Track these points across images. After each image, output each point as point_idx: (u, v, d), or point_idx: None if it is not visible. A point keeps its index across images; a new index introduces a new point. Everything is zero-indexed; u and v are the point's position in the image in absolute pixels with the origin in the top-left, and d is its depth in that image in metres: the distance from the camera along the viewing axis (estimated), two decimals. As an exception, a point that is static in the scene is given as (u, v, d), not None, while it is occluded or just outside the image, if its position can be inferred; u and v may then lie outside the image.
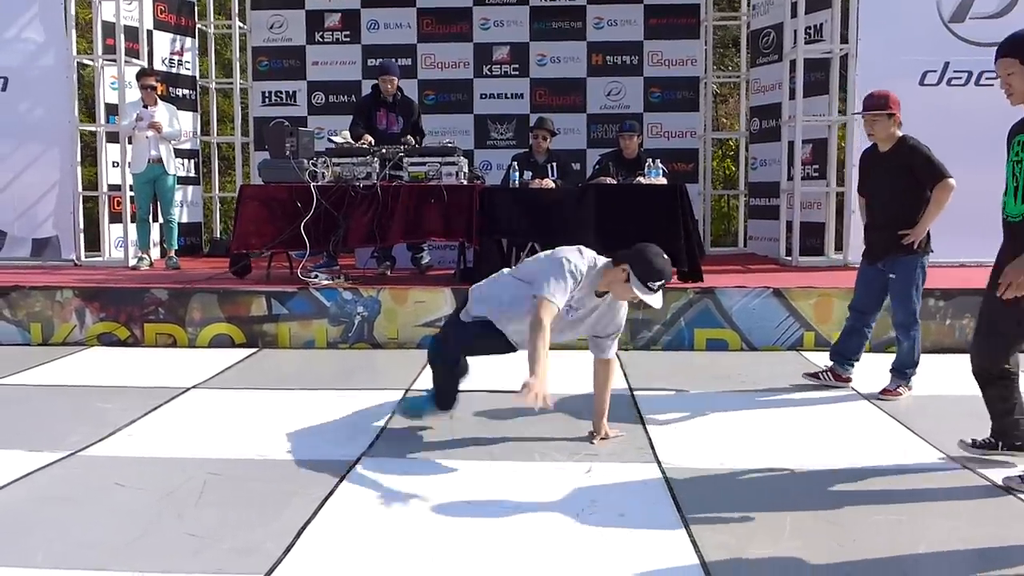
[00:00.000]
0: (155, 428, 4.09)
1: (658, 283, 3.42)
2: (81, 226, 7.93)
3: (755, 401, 4.56)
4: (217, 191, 10.10)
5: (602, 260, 3.56)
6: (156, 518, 2.96)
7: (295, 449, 3.73)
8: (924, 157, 4.33)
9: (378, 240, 6.34)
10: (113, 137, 8.12)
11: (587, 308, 3.59)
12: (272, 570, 2.57)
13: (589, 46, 9.57)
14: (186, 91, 9.25)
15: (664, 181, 6.49)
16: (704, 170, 9.79)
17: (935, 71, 7.15)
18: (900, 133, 4.43)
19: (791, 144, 7.76)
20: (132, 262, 7.69)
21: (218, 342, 6.00)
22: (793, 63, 7.71)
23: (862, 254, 4.74)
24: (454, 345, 3.77)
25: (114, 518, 2.96)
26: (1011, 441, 3.42)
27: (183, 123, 8.05)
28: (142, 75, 7.63)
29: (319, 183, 6.27)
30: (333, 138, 6.89)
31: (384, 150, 6.50)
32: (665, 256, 3.48)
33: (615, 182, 6.60)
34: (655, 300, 3.45)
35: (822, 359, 5.09)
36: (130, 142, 7.67)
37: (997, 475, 3.31)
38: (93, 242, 8.26)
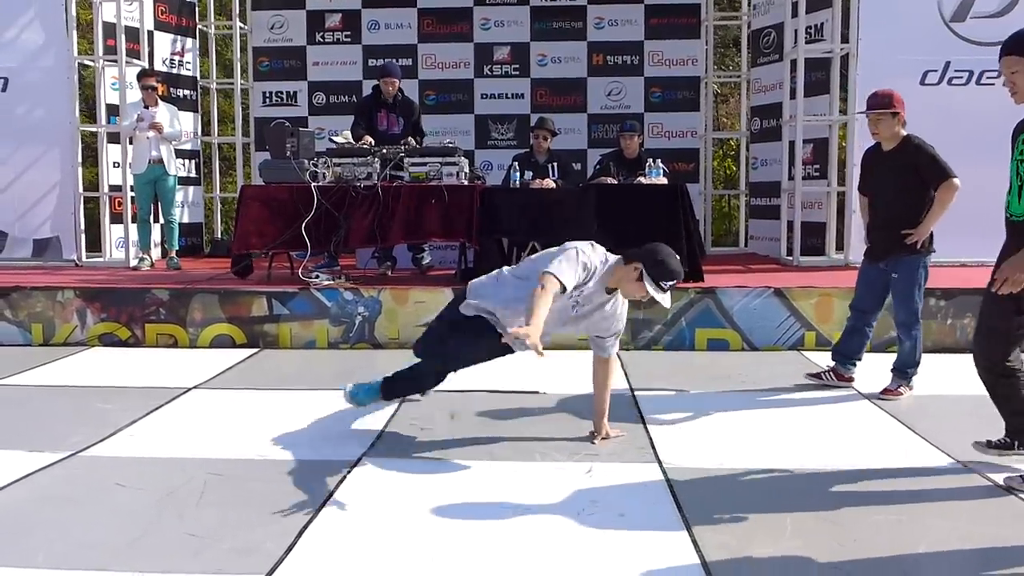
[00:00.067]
0: (156, 428, 4.09)
1: (670, 283, 3.44)
2: (82, 227, 7.93)
3: (756, 401, 4.55)
4: (218, 191, 10.10)
5: (613, 257, 3.56)
6: (157, 518, 2.96)
7: (296, 449, 3.72)
8: (929, 156, 4.33)
9: (379, 240, 6.34)
10: (114, 138, 8.12)
11: (594, 304, 3.57)
12: (273, 570, 2.57)
13: (590, 46, 9.57)
14: (187, 92, 9.25)
15: (665, 181, 6.49)
16: (705, 170, 9.79)
17: (936, 70, 7.15)
18: (904, 132, 4.43)
19: (792, 144, 7.76)
20: (133, 262, 7.69)
21: (219, 342, 6.00)
22: (794, 63, 7.71)
23: (863, 253, 4.74)
24: (454, 352, 3.74)
25: (115, 518, 2.96)
26: None
27: (184, 124, 8.05)
28: (143, 76, 7.64)
29: (320, 183, 6.27)
30: (334, 138, 6.90)
31: (385, 150, 6.50)
32: (677, 256, 3.50)
33: (616, 182, 6.60)
34: (666, 299, 3.46)
35: (823, 359, 5.08)
36: (131, 143, 7.67)
37: (998, 475, 3.31)
38: (94, 243, 8.26)
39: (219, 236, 9.89)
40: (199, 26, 9.60)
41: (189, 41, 9.27)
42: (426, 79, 9.59)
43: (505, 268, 3.80)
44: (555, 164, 6.99)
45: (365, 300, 5.98)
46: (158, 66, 8.71)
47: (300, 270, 6.44)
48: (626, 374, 5.07)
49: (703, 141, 9.75)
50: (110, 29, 7.99)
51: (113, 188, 8.13)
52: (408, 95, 7.49)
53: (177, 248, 7.82)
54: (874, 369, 4.75)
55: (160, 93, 7.82)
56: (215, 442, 3.85)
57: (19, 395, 4.78)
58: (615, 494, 3.19)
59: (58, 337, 6.10)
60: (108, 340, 6.06)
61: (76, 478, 3.39)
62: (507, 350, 3.61)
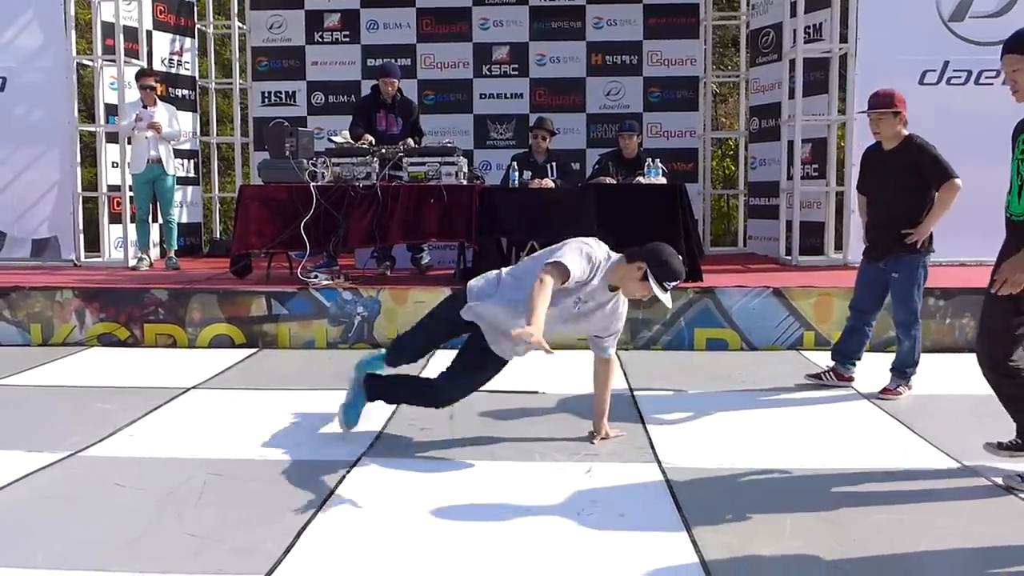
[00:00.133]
0: (155, 428, 4.09)
1: (673, 283, 3.46)
2: (81, 226, 7.93)
3: (755, 401, 4.56)
4: (217, 191, 10.10)
5: (615, 255, 3.56)
6: (156, 518, 2.96)
7: (295, 449, 3.72)
8: (931, 156, 4.33)
9: (378, 240, 6.34)
10: (113, 137, 8.12)
11: (597, 301, 3.57)
12: (272, 570, 2.57)
13: (588, 46, 9.57)
14: (185, 91, 9.25)
15: (664, 181, 6.49)
16: (704, 170, 9.79)
17: (935, 70, 7.15)
18: (906, 132, 4.43)
19: (791, 143, 7.76)
20: (132, 262, 7.69)
21: (218, 342, 6.00)
22: (792, 62, 7.71)
23: (863, 253, 4.74)
24: (461, 383, 3.73)
25: (114, 518, 2.96)
26: None
27: (182, 123, 8.05)
28: (141, 75, 7.63)
29: (319, 183, 6.27)
30: (333, 138, 6.90)
31: (384, 150, 6.50)
32: (679, 256, 3.51)
33: (615, 182, 6.61)
34: (668, 299, 3.48)
35: (822, 358, 5.09)
36: (129, 142, 7.67)
37: (998, 474, 3.31)
38: (93, 242, 8.26)
39: (218, 236, 9.89)
40: (198, 26, 9.60)
41: (188, 41, 9.27)
42: (425, 79, 9.59)
43: (504, 269, 3.77)
44: (554, 164, 6.99)
45: (364, 300, 5.98)
46: (157, 66, 8.71)
47: (299, 270, 6.44)
48: (625, 374, 5.07)
49: (702, 141, 9.75)
50: (109, 29, 7.99)
51: (112, 188, 8.13)
52: (407, 95, 7.49)
53: (176, 248, 7.82)
54: (873, 369, 4.75)
55: (159, 93, 7.82)
56: (214, 442, 3.84)
57: (18, 395, 4.78)
58: (615, 494, 3.19)
59: (57, 337, 6.10)
60: (107, 340, 6.05)
61: (75, 478, 3.39)
62: (503, 364, 3.68)
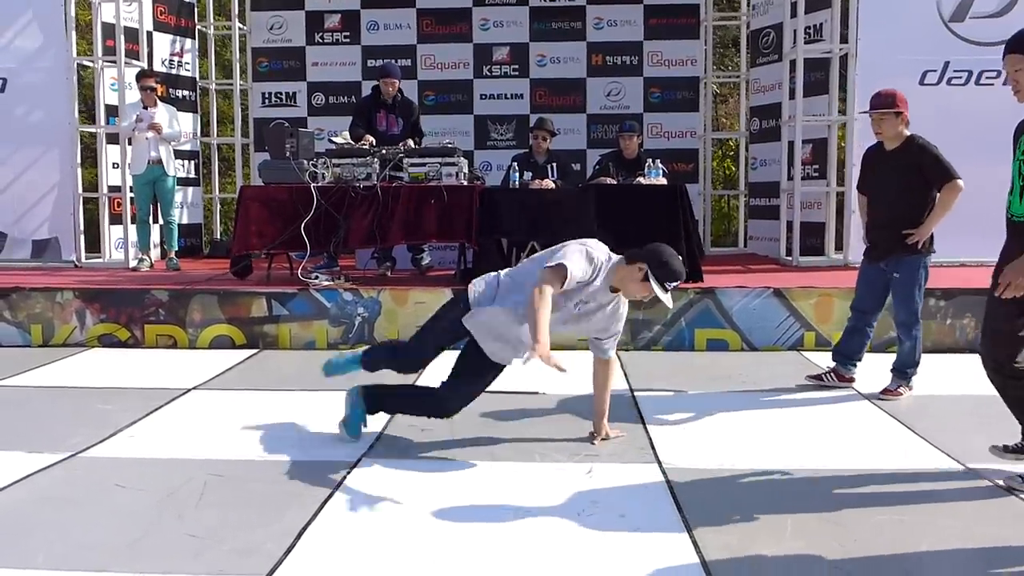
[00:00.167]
0: (156, 429, 4.09)
1: (674, 284, 3.47)
2: (81, 227, 7.92)
3: (756, 401, 4.55)
4: (217, 192, 10.10)
5: (615, 256, 3.56)
6: (157, 519, 2.96)
7: (296, 450, 3.72)
8: (933, 157, 4.33)
9: (378, 241, 6.34)
10: (113, 138, 8.12)
11: (597, 303, 3.57)
12: (273, 571, 2.57)
13: (589, 46, 9.57)
14: (186, 92, 9.25)
15: (664, 181, 6.49)
16: (704, 170, 9.79)
17: (935, 71, 7.15)
18: (907, 132, 4.43)
19: (791, 144, 7.76)
20: (132, 263, 7.69)
21: (218, 343, 6.00)
22: (793, 63, 7.71)
23: (863, 253, 4.74)
24: (461, 391, 3.71)
25: (115, 519, 2.96)
26: None
27: (183, 124, 8.05)
28: (142, 76, 7.63)
29: (319, 184, 6.27)
30: (333, 139, 6.90)
31: (384, 151, 6.50)
32: (679, 257, 3.53)
33: (615, 182, 6.60)
34: (669, 299, 3.50)
35: (823, 359, 5.09)
36: (130, 143, 7.67)
37: (999, 475, 3.31)
38: (93, 243, 8.26)
39: (218, 237, 9.88)
40: (198, 27, 9.59)
41: (188, 42, 9.27)
42: (425, 79, 9.59)
43: (503, 272, 3.73)
44: (554, 164, 6.99)
45: (365, 301, 5.98)
46: (157, 67, 8.71)
47: (299, 271, 6.44)
48: (626, 374, 5.07)
49: (702, 141, 9.75)
50: (109, 30, 7.99)
51: (112, 189, 8.13)
52: (407, 96, 7.49)
53: (176, 249, 7.82)
54: (874, 369, 4.75)
55: (159, 94, 7.82)
56: (215, 443, 3.84)
57: (19, 396, 4.78)
58: (615, 495, 3.19)
59: (57, 338, 6.10)
60: (107, 341, 6.05)
61: (76, 479, 3.39)
62: (501, 369, 3.69)
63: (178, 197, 8.27)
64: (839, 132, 7.93)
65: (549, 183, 6.71)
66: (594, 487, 3.26)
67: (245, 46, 9.95)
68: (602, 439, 3.79)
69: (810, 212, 7.97)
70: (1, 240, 7.90)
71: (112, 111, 8.15)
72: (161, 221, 7.91)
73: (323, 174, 6.33)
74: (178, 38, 9.11)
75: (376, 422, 4.01)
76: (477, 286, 3.66)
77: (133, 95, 7.79)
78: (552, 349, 3.33)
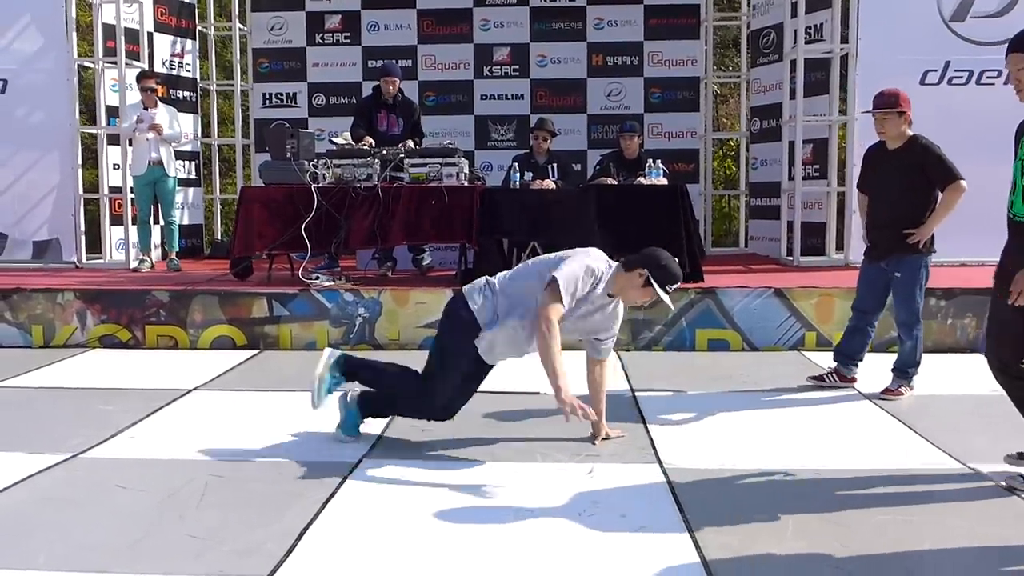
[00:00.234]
0: (157, 430, 4.09)
1: (674, 286, 3.53)
2: (82, 228, 7.93)
3: (757, 401, 4.55)
4: (218, 193, 10.10)
5: (613, 264, 3.59)
6: (158, 520, 2.96)
7: (297, 451, 3.72)
8: (936, 157, 4.33)
9: (379, 241, 6.34)
10: (114, 139, 8.12)
11: (596, 305, 3.59)
12: (274, 571, 2.57)
13: (589, 47, 9.57)
14: (186, 93, 9.26)
15: (665, 181, 6.49)
16: (705, 170, 9.79)
17: (936, 70, 7.15)
18: (910, 132, 4.42)
19: (792, 144, 7.76)
20: (133, 264, 7.70)
21: (219, 344, 6.00)
22: (793, 63, 7.71)
23: (864, 253, 4.74)
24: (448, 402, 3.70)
25: (116, 520, 2.96)
26: None
27: (183, 125, 8.06)
28: (142, 77, 7.63)
29: (320, 185, 6.27)
30: (334, 139, 6.90)
31: (385, 151, 6.50)
32: (675, 259, 3.57)
33: (616, 183, 6.60)
34: (671, 301, 3.56)
35: (824, 359, 5.08)
36: (130, 144, 7.68)
37: (1001, 475, 3.30)
38: (94, 244, 8.27)
39: (219, 238, 9.89)
40: (199, 28, 9.60)
41: (189, 43, 9.28)
42: (426, 80, 9.59)
43: (495, 281, 3.63)
44: (555, 165, 6.99)
45: (365, 301, 5.98)
46: (158, 68, 8.72)
47: (300, 271, 6.44)
48: (627, 375, 5.07)
49: (703, 141, 9.75)
50: (110, 31, 8.00)
51: (113, 190, 8.13)
52: (408, 96, 7.50)
53: (177, 250, 7.82)
54: (875, 369, 4.75)
55: (160, 95, 7.82)
56: (216, 443, 3.84)
57: (20, 397, 4.78)
58: (616, 495, 3.19)
59: (58, 339, 6.10)
60: (108, 342, 6.05)
61: (77, 480, 3.39)
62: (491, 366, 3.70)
63: (179, 198, 8.27)
64: (840, 132, 7.93)
65: (550, 183, 6.71)
66: (595, 487, 3.26)
67: (246, 47, 9.95)
68: (602, 439, 3.79)
69: (811, 212, 7.97)
70: (2, 241, 7.90)
71: (113, 112, 8.16)
72: (162, 222, 7.91)
73: (324, 175, 6.34)
74: (179, 39, 9.11)
75: (376, 422, 4.01)
76: (475, 300, 3.56)
77: (134, 96, 7.79)
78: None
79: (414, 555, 2.69)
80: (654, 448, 3.74)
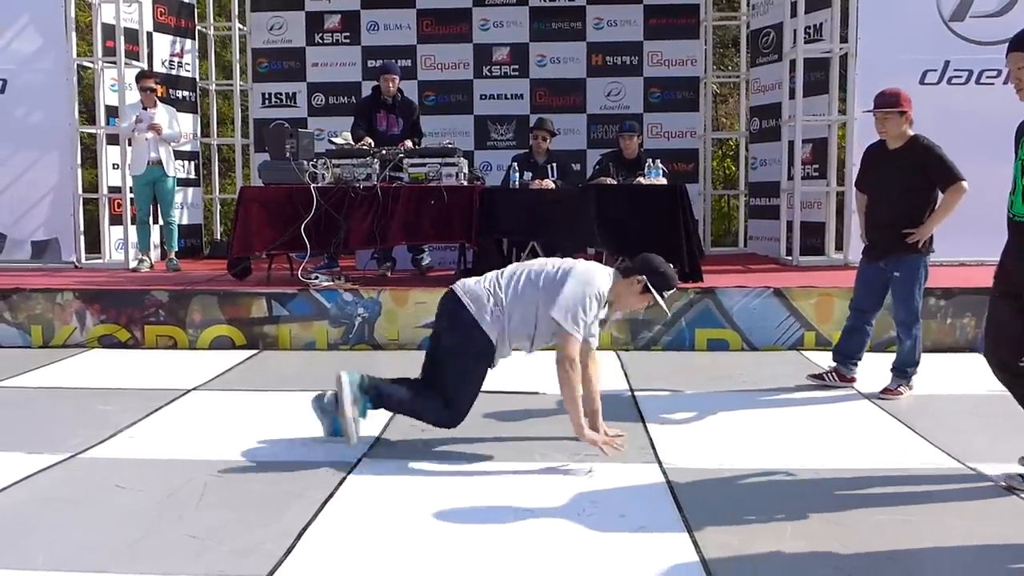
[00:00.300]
0: (156, 430, 4.09)
1: (671, 291, 3.60)
2: (81, 228, 7.93)
3: (756, 401, 4.55)
4: (217, 193, 10.10)
5: (609, 270, 3.61)
6: (157, 520, 2.96)
7: (296, 451, 3.72)
8: (938, 157, 4.32)
9: (378, 241, 6.34)
10: (113, 139, 8.12)
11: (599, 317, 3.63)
12: (273, 571, 2.57)
13: (589, 46, 9.57)
14: (186, 93, 9.25)
15: (664, 181, 6.49)
16: (704, 170, 9.79)
17: (935, 70, 7.14)
18: (911, 132, 4.42)
19: (791, 144, 7.76)
20: (132, 264, 7.69)
21: (219, 344, 6.00)
22: (793, 63, 7.71)
23: (862, 252, 4.74)
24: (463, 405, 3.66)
25: (115, 520, 2.96)
26: None
27: (183, 125, 8.05)
28: (141, 77, 7.63)
29: (319, 185, 6.27)
30: (333, 139, 6.90)
31: (384, 151, 6.50)
32: (670, 265, 3.63)
33: (615, 182, 6.60)
34: (667, 306, 3.63)
35: (823, 359, 5.08)
36: (130, 144, 7.67)
37: (1000, 475, 3.30)
38: (93, 244, 8.26)
39: (218, 238, 9.89)
40: (198, 27, 9.60)
41: (188, 42, 9.28)
42: (425, 80, 9.59)
43: (499, 288, 3.56)
44: (554, 165, 6.99)
45: (365, 301, 5.98)
46: (157, 67, 8.72)
47: (299, 271, 6.44)
48: (626, 374, 5.07)
49: (702, 141, 9.75)
50: (109, 31, 7.99)
51: (112, 190, 8.13)
52: (408, 96, 7.50)
53: (176, 249, 7.83)
54: (874, 369, 4.75)
55: (159, 94, 7.82)
56: (215, 444, 3.84)
57: (19, 397, 4.78)
58: (616, 495, 3.19)
59: (57, 339, 6.10)
60: (107, 342, 6.05)
61: (76, 480, 3.39)
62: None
63: (178, 198, 8.27)
64: (839, 132, 7.93)
65: (549, 183, 6.70)
66: (594, 487, 3.26)
67: (245, 47, 9.95)
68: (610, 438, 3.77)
69: (810, 212, 7.97)
70: (1, 241, 7.90)
71: (112, 112, 8.15)
72: (161, 222, 7.91)
73: (323, 175, 6.34)
74: (178, 39, 9.11)
75: (376, 422, 4.01)
76: (486, 321, 3.49)
77: (133, 96, 7.79)
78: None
79: (413, 555, 2.69)
80: (653, 448, 3.74)
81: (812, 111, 7.78)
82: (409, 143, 6.92)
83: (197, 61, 9.56)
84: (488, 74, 9.65)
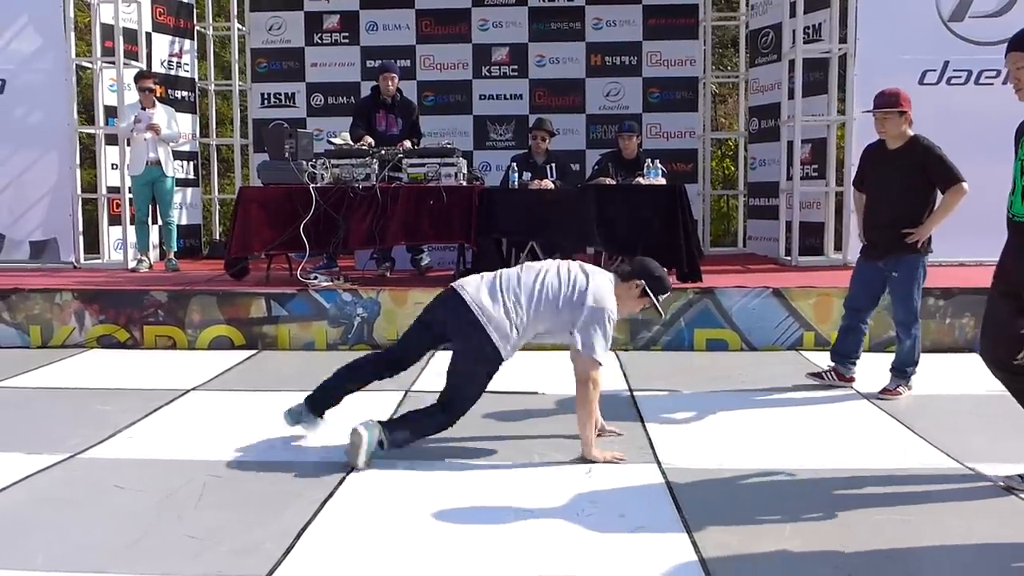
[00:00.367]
0: (155, 430, 4.08)
1: (667, 294, 3.72)
2: (80, 228, 7.93)
3: (755, 401, 4.55)
4: (216, 193, 10.08)
5: (609, 274, 3.66)
6: (156, 520, 2.96)
7: (295, 451, 3.72)
8: (938, 158, 4.32)
9: (377, 242, 6.34)
10: (112, 139, 8.12)
11: None
12: (272, 571, 2.57)
13: (588, 47, 9.57)
14: (185, 93, 9.25)
15: (663, 181, 6.49)
16: (703, 170, 9.79)
17: (935, 70, 7.15)
18: (911, 132, 4.42)
19: (790, 144, 7.77)
20: (131, 264, 7.69)
21: (217, 344, 6.00)
22: (792, 63, 7.71)
23: (860, 251, 4.74)
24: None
25: (114, 520, 2.96)
26: None
27: (182, 125, 8.05)
28: (140, 77, 7.63)
29: (318, 185, 6.27)
30: (332, 140, 6.90)
31: (383, 151, 6.50)
32: (664, 269, 3.79)
33: (614, 182, 6.60)
34: (663, 310, 3.77)
35: (822, 359, 5.09)
36: (129, 144, 7.67)
37: (999, 475, 3.30)
38: (92, 244, 8.26)
39: (218, 238, 9.87)
40: (197, 28, 9.59)
41: (187, 43, 9.27)
42: (424, 80, 9.58)
43: (510, 291, 3.55)
44: (553, 165, 6.99)
45: (364, 301, 5.97)
46: (156, 68, 8.71)
47: (299, 271, 6.43)
48: (625, 374, 5.07)
49: (701, 141, 9.75)
50: (108, 31, 7.99)
51: (111, 190, 8.13)
52: (407, 96, 7.50)
53: (175, 250, 7.82)
54: (873, 369, 4.75)
55: (158, 95, 7.81)
56: (214, 444, 3.84)
57: (18, 397, 4.78)
58: (615, 495, 3.19)
59: (56, 339, 6.10)
60: (106, 342, 6.05)
61: (75, 480, 3.39)
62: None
63: (177, 198, 8.27)
64: (838, 132, 7.94)
65: (548, 183, 6.70)
66: (593, 487, 3.26)
67: (244, 47, 9.94)
68: (598, 434, 3.77)
69: (809, 212, 7.97)
70: (0, 241, 7.90)
71: (111, 112, 8.15)
72: (160, 222, 7.91)
73: (322, 175, 6.33)
74: (177, 39, 9.10)
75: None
76: (501, 345, 3.49)
77: (132, 96, 7.79)
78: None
79: (412, 555, 2.69)
80: (652, 448, 3.74)
81: (811, 111, 7.78)
82: (408, 143, 6.93)
83: (196, 61, 9.56)
84: (487, 74, 9.65)
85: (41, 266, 7.75)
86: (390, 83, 7.04)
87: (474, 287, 3.57)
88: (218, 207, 10.16)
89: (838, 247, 7.62)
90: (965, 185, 4.27)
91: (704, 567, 2.58)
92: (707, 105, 10.10)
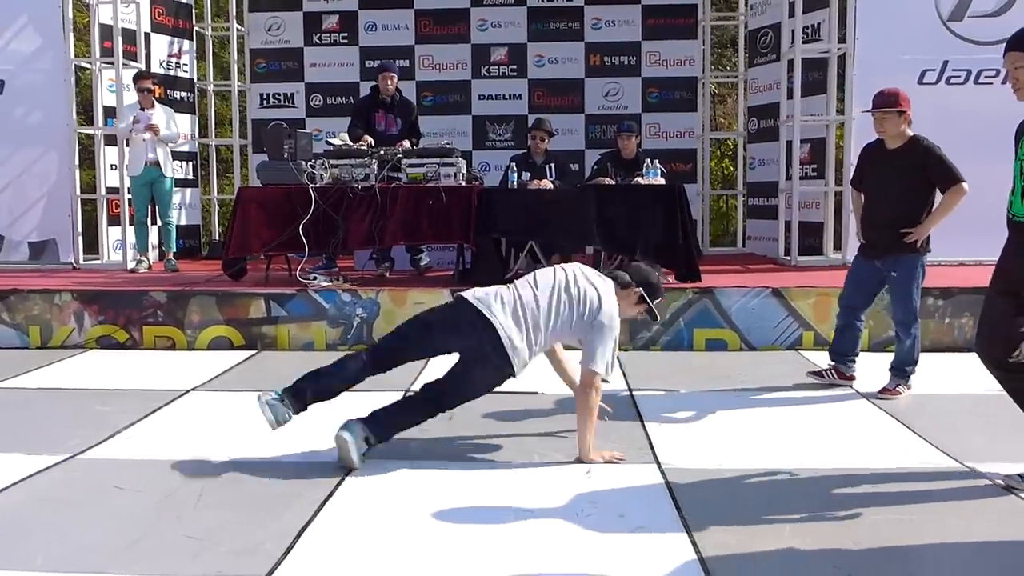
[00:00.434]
0: (154, 431, 4.08)
1: (660, 299, 3.85)
2: (79, 229, 7.92)
3: (754, 401, 4.56)
4: (215, 193, 10.09)
5: (607, 279, 3.67)
6: (155, 521, 2.95)
7: (294, 451, 3.72)
8: (938, 158, 4.32)
9: (377, 242, 6.34)
10: (111, 140, 8.12)
11: None
12: (272, 571, 2.57)
13: (587, 47, 9.57)
14: (184, 93, 9.25)
15: (662, 181, 6.49)
16: (702, 170, 9.80)
17: (934, 70, 7.15)
18: (910, 132, 4.42)
19: (789, 144, 7.77)
20: (130, 265, 7.69)
21: (217, 344, 5.99)
22: (791, 63, 7.72)
23: (858, 250, 4.73)
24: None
25: (113, 521, 2.95)
26: None
27: (181, 126, 8.05)
28: (139, 78, 7.62)
29: (317, 185, 6.27)
30: (331, 140, 6.89)
31: (382, 151, 6.50)
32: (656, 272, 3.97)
33: (613, 182, 6.60)
34: (658, 314, 3.88)
35: (821, 359, 5.09)
36: (127, 145, 7.67)
37: (998, 474, 3.30)
38: (91, 245, 8.25)
39: (217, 238, 9.86)
40: (196, 28, 9.59)
41: (186, 43, 9.27)
42: (424, 80, 9.58)
43: (523, 303, 3.53)
44: (552, 165, 6.99)
45: (363, 302, 5.97)
46: (155, 68, 8.70)
47: (298, 272, 6.43)
48: (624, 374, 5.06)
49: (700, 141, 9.75)
50: (107, 31, 7.98)
51: (110, 190, 8.12)
52: (406, 96, 7.50)
53: (174, 250, 7.82)
54: (873, 368, 4.75)
55: (157, 95, 7.81)
56: (213, 444, 3.84)
57: (17, 398, 4.77)
58: (614, 495, 3.19)
59: (56, 340, 6.09)
60: (106, 342, 6.05)
61: (74, 481, 3.38)
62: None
63: (176, 198, 8.26)
64: (837, 132, 7.94)
65: (547, 183, 6.70)
66: (593, 487, 3.26)
67: (243, 47, 9.94)
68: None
69: (808, 212, 7.98)
70: (-1, 242, 7.90)
71: (110, 112, 8.15)
72: (159, 222, 7.90)
73: (321, 175, 6.33)
74: (176, 39, 9.10)
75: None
76: (514, 365, 3.49)
77: (131, 97, 7.78)
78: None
79: (412, 555, 2.69)
80: (652, 448, 3.74)
81: (810, 111, 7.79)
82: (407, 143, 6.93)
83: (195, 62, 9.55)
84: (486, 74, 9.65)
85: (40, 267, 7.75)
86: (389, 83, 7.04)
87: (501, 313, 3.49)
88: (217, 207, 10.16)
89: (837, 247, 7.62)
90: (965, 185, 4.27)
91: (704, 567, 2.58)
92: (706, 105, 10.10)
